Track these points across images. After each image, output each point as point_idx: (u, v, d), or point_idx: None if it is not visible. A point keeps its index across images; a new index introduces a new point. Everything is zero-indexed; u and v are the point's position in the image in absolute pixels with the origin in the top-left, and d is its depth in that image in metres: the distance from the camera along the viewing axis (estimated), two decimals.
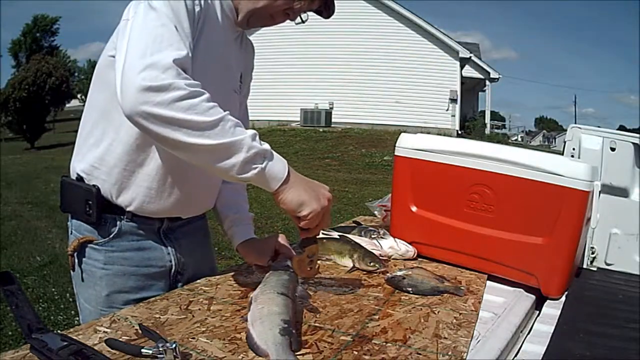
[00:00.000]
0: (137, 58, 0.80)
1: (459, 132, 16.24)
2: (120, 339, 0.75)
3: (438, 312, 0.97)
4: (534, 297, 1.18)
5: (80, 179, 1.03)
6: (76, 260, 1.05)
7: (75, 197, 1.03)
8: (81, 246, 1.04)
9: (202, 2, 0.94)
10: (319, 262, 1.25)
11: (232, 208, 1.20)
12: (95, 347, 0.71)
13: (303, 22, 1.06)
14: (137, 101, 0.78)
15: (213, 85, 1.01)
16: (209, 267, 1.22)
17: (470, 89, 20.41)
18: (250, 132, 0.84)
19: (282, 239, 1.14)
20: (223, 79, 1.06)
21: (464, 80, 17.40)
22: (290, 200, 0.86)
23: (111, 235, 1.03)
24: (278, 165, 0.85)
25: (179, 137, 0.80)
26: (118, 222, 1.03)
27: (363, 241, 1.34)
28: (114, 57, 0.89)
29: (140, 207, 1.02)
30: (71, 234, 1.07)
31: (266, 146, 0.85)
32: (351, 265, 1.22)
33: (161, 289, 1.07)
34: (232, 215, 1.19)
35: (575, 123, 1.67)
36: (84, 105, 1.07)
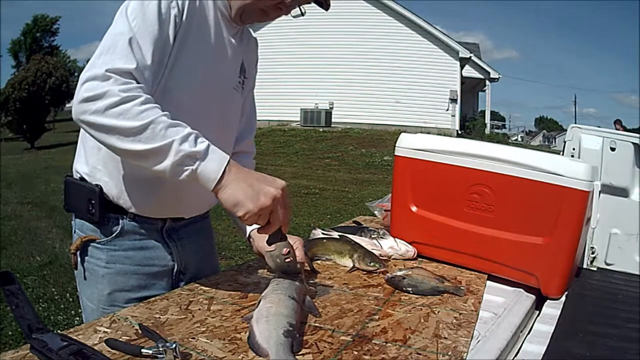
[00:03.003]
0: (86, 70, 0.85)
1: (459, 132, 16.23)
2: (120, 339, 0.75)
3: (438, 312, 0.97)
4: (534, 297, 1.18)
5: (83, 179, 1.04)
6: (79, 259, 1.06)
7: (78, 196, 1.04)
8: (84, 245, 1.05)
9: (186, 3, 0.94)
10: (318, 261, 1.26)
11: None
12: (95, 347, 0.71)
13: (302, 14, 1.06)
14: (78, 111, 0.83)
15: (206, 84, 1.01)
16: (212, 266, 1.22)
17: (470, 89, 20.41)
18: (183, 133, 0.82)
19: (299, 242, 1.11)
20: (218, 78, 1.06)
21: (464, 80, 17.40)
22: (225, 199, 0.84)
23: (114, 235, 1.04)
24: (211, 166, 0.83)
25: (114, 142, 0.83)
26: (120, 221, 1.04)
27: (363, 241, 1.34)
28: None
29: (142, 209, 1.03)
30: (74, 232, 1.08)
31: (199, 147, 0.83)
32: (351, 265, 1.22)
33: (163, 288, 1.08)
34: None
35: (575, 123, 1.67)
36: None
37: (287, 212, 0.87)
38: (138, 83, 0.86)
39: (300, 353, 0.75)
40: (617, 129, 12.74)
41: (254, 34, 1.20)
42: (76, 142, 1.08)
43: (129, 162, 0.98)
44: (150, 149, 0.81)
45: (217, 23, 1.03)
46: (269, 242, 0.93)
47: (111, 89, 0.81)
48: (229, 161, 0.85)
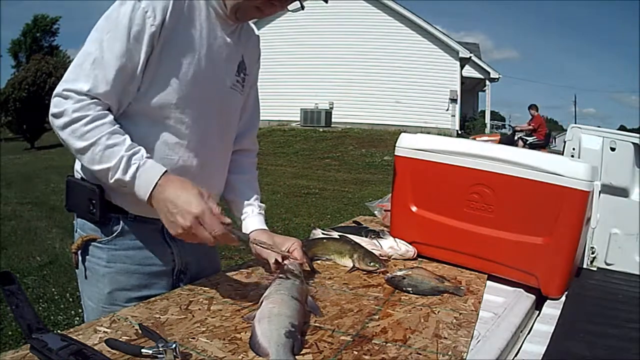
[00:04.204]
0: (58, 85, 0.94)
1: (459, 132, 16.23)
2: (120, 339, 0.75)
3: (438, 312, 0.97)
4: (534, 297, 1.18)
5: (84, 179, 1.05)
6: (80, 258, 1.07)
7: (79, 196, 1.05)
8: (85, 244, 1.05)
9: (169, 5, 0.94)
10: (318, 261, 1.26)
11: (245, 196, 1.20)
12: (95, 347, 0.71)
13: (302, 8, 1.05)
14: (51, 122, 0.95)
15: (198, 86, 1.01)
16: (212, 266, 1.22)
17: (470, 89, 20.40)
18: (115, 159, 0.90)
19: (297, 243, 1.11)
20: (213, 79, 1.05)
21: (464, 80, 17.39)
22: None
23: (114, 234, 1.04)
24: (141, 191, 0.92)
25: (75, 154, 0.96)
26: (121, 221, 1.04)
27: (363, 241, 1.34)
28: None
29: (142, 209, 1.03)
30: (76, 232, 1.09)
31: (128, 175, 0.91)
32: (351, 265, 1.22)
33: (163, 288, 1.08)
34: (246, 201, 1.19)
35: (575, 123, 1.67)
36: None
37: (201, 236, 0.89)
38: (93, 99, 0.93)
39: (300, 353, 0.75)
40: (531, 114, 12.49)
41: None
42: None
43: None
44: (94, 169, 0.93)
45: (210, 23, 1.02)
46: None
47: (67, 107, 0.91)
48: (155, 184, 0.91)
